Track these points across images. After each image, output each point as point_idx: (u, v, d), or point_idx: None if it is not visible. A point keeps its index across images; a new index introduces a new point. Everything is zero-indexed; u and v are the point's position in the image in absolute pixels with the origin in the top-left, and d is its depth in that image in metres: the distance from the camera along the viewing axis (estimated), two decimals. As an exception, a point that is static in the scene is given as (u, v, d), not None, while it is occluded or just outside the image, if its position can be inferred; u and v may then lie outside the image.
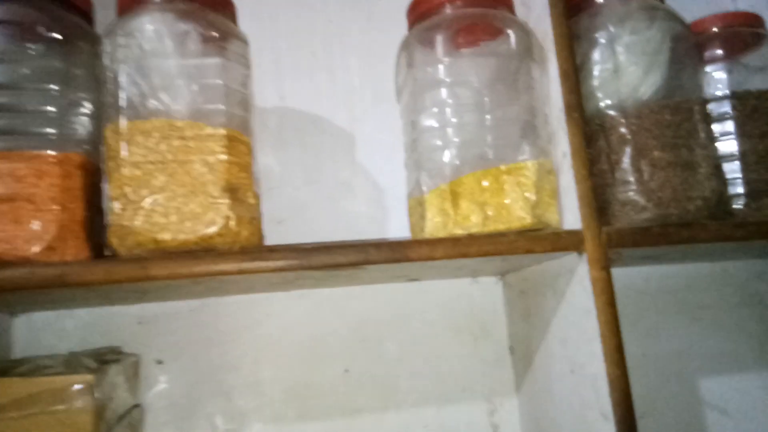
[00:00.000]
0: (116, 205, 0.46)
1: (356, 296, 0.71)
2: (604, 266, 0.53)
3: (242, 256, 0.47)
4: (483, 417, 0.71)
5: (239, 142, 0.50)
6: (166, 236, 0.46)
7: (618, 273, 0.79)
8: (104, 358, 0.58)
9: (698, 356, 0.79)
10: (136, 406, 0.63)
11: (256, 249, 0.49)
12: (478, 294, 0.75)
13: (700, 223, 0.56)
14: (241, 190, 0.49)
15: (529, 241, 0.52)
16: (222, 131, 0.48)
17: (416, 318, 0.72)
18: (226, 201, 0.47)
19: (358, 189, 0.73)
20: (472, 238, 0.52)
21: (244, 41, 0.55)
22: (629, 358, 0.79)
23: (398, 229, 0.72)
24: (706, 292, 0.82)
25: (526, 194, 0.54)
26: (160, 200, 0.46)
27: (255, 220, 0.50)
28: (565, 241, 0.53)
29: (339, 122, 0.74)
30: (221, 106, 0.49)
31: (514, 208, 0.54)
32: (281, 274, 0.52)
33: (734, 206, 0.60)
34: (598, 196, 0.59)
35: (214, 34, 0.51)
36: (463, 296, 0.74)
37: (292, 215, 0.71)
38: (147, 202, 0.46)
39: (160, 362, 0.65)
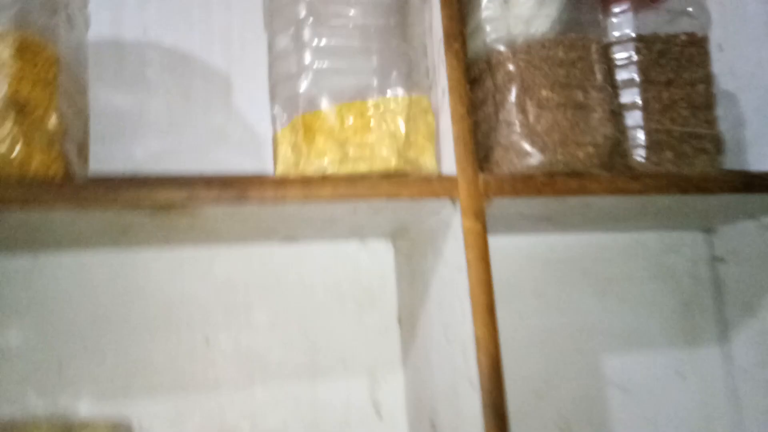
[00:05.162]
0: None
1: (221, 256, 0.63)
2: (478, 216, 0.47)
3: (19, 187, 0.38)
4: (364, 393, 0.64)
5: (35, 51, 0.41)
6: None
7: (522, 241, 0.74)
8: None
9: (603, 331, 0.74)
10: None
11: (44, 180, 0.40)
12: (365, 259, 0.67)
13: (590, 173, 0.50)
14: (36, 108, 0.40)
15: (392, 185, 0.45)
16: (9, 31, 0.39)
17: (292, 283, 0.64)
18: (10, 117, 0.38)
19: (232, 136, 0.65)
20: (325, 179, 0.44)
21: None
22: (531, 330, 0.74)
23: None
24: (615, 264, 0.76)
25: (394, 133, 0.47)
26: None
27: (54, 148, 0.41)
28: (435, 187, 0.47)
29: (213, 61, 0.66)
30: None
31: (379, 148, 0.46)
32: (100, 218, 0.43)
33: (634, 158, 0.54)
34: (482, 141, 0.53)
35: None
36: (349, 261, 0.67)
37: (154, 165, 0.62)
38: None
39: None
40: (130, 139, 0.62)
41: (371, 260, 0.68)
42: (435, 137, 0.50)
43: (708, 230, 0.81)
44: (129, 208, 0.41)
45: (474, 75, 0.54)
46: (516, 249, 0.72)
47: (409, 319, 0.63)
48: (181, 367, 0.60)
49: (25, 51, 0.40)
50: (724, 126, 0.75)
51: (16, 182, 0.38)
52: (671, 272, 0.79)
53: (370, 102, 0.47)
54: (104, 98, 0.61)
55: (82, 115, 0.48)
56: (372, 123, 0.46)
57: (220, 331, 0.61)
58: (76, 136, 0.45)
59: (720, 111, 0.75)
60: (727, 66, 0.74)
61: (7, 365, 0.56)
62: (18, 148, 0.38)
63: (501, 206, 0.51)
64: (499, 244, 0.70)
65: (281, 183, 0.44)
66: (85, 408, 0.56)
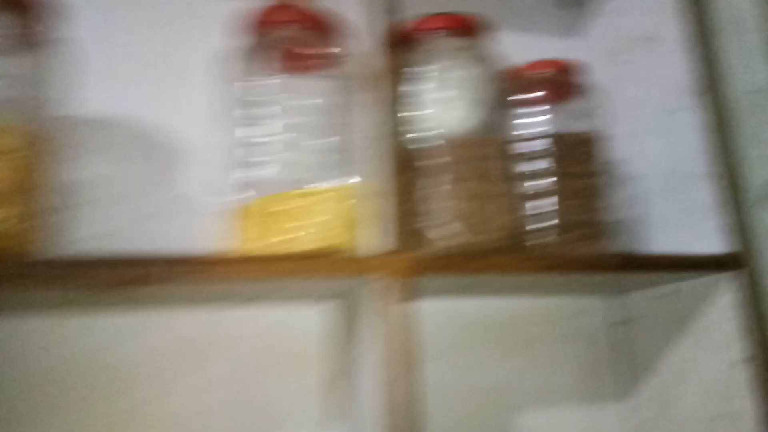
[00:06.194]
0: None
1: (151, 321, 0.66)
2: (402, 292, 0.53)
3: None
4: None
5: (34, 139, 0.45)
6: None
7: (444, 305, 0.81)
8: None
9: (518, 391, 0.81)
10: None
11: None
12: (300, 322, 0.72)
13: (499, 254, 0.58)
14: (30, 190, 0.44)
15: (322, 265, 0.51)
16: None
17: (224, 347, 0.68)
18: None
19: (186, 205, 0.69)
20: (250, 259, 0.50)
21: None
22: (453, 391, 0.80)
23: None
24: (530, 327, 0.85)
25: (325, 218, 0.54)
26: None
27: (25, 227, 0.45)
28: (359, 266, 0.53)
29: (171, 134, 0.70)
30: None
31: (312, 231, 0.53)
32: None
33: (543, 240, 0.63)
34: (408, 224, 0.60)
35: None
36: (282, 324, 0.71)
37: (114, 232, 0.65)
38: None
39: None
40: (89, 212, 0.65)
41: (306, 323, 0.72)
42: (370, 219, 0.56)
43: (609, 297, 0.90)
44: (88, 288, 0.45)
45: (411, 164, 0.62)
46: (439, 312, 0.79)
47: (339, 383, 0.68)
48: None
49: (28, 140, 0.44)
50: (627, 209, 0.86)
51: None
52: (577, 335, 0.87)
53: (308, 189, 0.54)
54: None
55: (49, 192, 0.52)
56: (307, 209, 0.53)
57: (150, 397, 0.63)
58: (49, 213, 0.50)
59: (625, 195, 0.87)
60: (634, 153, 0.85)
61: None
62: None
63: (424, 280, 0.58)
64: (421, 307, 0.77)
65: (229, 261, 0.49)
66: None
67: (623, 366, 0.87)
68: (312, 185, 0.54)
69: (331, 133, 0.56)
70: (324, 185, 0.54)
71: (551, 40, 0.95)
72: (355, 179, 0.57)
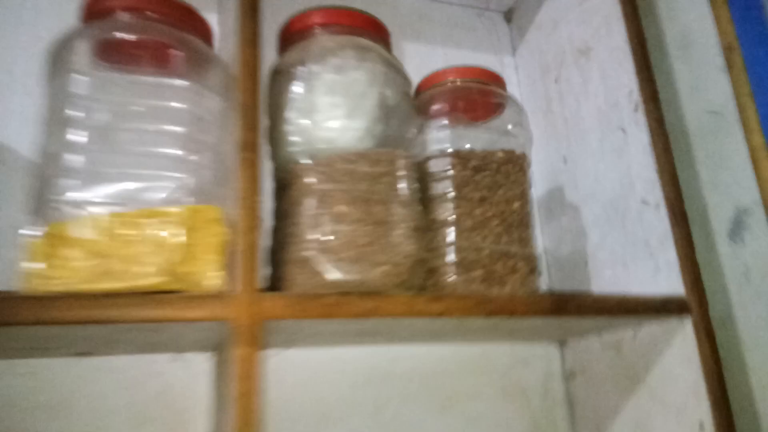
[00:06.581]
0: None
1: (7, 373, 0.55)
2: (253, 342, 0.42)
3: None
4: None
5: None
6: None
7: (356, 353, 0.69)
8: None
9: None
10: None
11: None
12: (178, 375, 0.61)
13: (387, 294, 0.47)
14: None
15: (152, 305, 0.41)
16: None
17: (84, 403, 0.57)
18: None
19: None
20: (57, 299, 0.39)
21: None
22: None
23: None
24: (461, 379, 0.73)
25: (166, 245, 0.43)
26: None
27: None
28: (206, 308, 0.42)
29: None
30: None
31: (143, 263, 0.42)
32: None
33: (443, 277, 0.52)
34: (279, 257, 0.49)
35: None
36: (157, 377, 0.60)
37: None
38: None
39: None
40: None
41: (185, 376, 0.61)
42: (221, 250, 0.46)
43: (562, 343, 0.79)
44: None
45: (278, 186, 0.52)
46: (350, 361, 0.68)
47: (216, 447, 0.57)
48: None
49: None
50: (565, 241, 0.76)
51: None
52: (521, 388, 0.76)
53: (141, 211, 0.43)
54: None
55: None
56: (141, 234, 0.42)
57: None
58: None
59: (563, 225, 0.76)
60: (571, 179, 0.75)
61: None
62: None
63: (295, 327, 0.47)
64: (328, 356, 0.66)
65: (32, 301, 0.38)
66: None
67: (577, 424, 0.75)
68: (159, 206, 0.44)
69: (187, 145, 0.46)
70: (174, 207, 0.44)
71: (484, 57, 0.86)
72: (215, 201, 0.47)
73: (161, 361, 0.61)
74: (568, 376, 0.77)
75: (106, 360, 0.59)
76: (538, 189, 0.81)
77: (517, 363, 0.76)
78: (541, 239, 0.80)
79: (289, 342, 0.59)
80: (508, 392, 0.75)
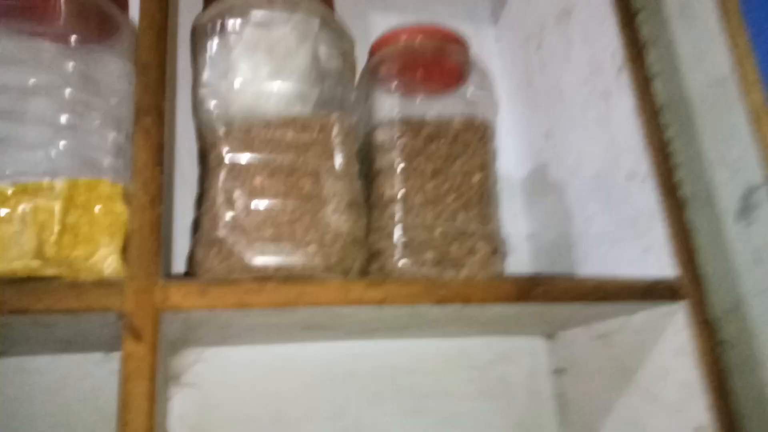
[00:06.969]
0: None
1: None
2: (147, 337, 0.36)
3: None
4: None
5: None
6: None
7: (317, 349, 0.63)
8: None
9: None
10: None
11: None
12: (109, 376, 0.55)
13: (313, 279, 0.40)
14: None
15: (17, 295, 0.34)
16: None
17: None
18: None
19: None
20: None
21: None
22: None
23: None
24: (436, 376, 0.66)
25: (41, 224, 0.37)
26: None
27: None
28: (89, 297, 0.36)
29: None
30: None
31: (14, 244, 0.36)
32: None
33: (389, 259, 0.45)
34: (190, 237, 0.43)
35: None
36: (83, 378, 0.54)
37: None
38: None
39: None
40: None
41: (116, 378, 0.55)
42: (119, 232, 0.39)
43: (549, 336, 0.72)
44: None
45: (199, 157, 0.45)
46: (307, 359, 0.61)
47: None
48: None
49: None
50: (551, 222, 0.69)
51: None
52: (505, 386, 0.68)
53: (16, 185, 0.37)
54: None
55: None
56: (12, 212, 0.36)
57: None
58: None
59: (548, 205, 0.69)
60: (554, 156, 0.68)
61: None
62: None
63: (208, 319, 0.40)
64: (280, 353, 0.60)
65: None
66: None
67: (566, 422, 0.67)
68: (43, 178, 0.38)
69: (74, 108, 0.40)
70: (51, 180, 0.38)
71: (462, 27, 0.79)
72: (117, 177, 0.40)
73: (90, 361, 0.55)
74: (556, 372, 0.69)
75: (28, 360, 0.53)
76: (521, 169, 0.74)
77: (498, 358, 0.69)
78: (527, 222, 0.73)
79: (223, 339, 0.53)
80: (488, 390, 0.68)
